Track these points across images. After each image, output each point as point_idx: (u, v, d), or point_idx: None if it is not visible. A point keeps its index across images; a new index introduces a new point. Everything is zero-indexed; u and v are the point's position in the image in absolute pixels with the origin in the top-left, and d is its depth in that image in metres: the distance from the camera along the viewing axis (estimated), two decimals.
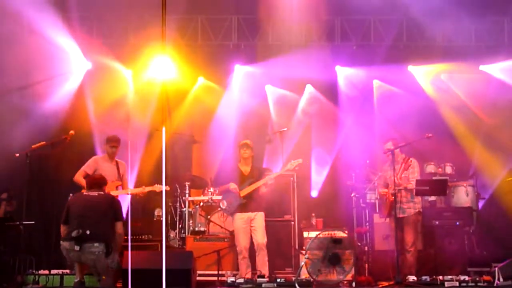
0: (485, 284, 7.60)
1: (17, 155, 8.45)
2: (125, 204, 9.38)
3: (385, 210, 8.95)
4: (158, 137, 11.07)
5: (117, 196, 8.96)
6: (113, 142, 9.21)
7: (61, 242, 7.43)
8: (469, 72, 11.88)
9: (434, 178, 10.08)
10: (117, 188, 9.10)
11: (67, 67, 11.40)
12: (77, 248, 7.25)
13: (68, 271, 7.83)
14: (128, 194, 9.27)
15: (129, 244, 7.63)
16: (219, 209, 9.72)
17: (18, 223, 8.24)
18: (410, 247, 8.77)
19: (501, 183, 10.81)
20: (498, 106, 11.34)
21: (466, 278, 7.77)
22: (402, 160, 8.87)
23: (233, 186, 8.94)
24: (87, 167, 9.10)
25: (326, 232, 8.31)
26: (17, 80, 10.73)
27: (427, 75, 12.19)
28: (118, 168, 9.20)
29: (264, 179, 8.87)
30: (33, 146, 8.51)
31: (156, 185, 9.29)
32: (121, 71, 11.85)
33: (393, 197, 8.58)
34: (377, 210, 10.05)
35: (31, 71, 10.76)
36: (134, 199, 9.61)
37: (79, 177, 9.03)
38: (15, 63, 10.41)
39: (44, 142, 8.66)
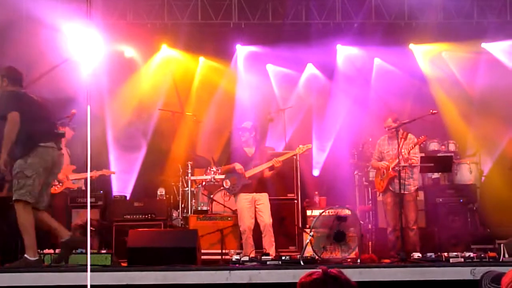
0: (491, 260, 7.56)
1: None
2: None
3: (383, 184, 8.87)
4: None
5: (75, 179, 9.40)
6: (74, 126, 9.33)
7: None
8: (470, 51, 11.82)
9: (438, 155, 10.06)
10: (73, 171, 9.38)
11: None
12: None
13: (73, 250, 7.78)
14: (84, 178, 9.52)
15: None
16: (221, 188, 9.70)
17: None
18: (413, 225, 8.78)
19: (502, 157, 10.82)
20: (497, 89, 11.28)
21: (471, 254, 7.74)
22: (402, 135, 8.80)
23: (238, 166, 8.90)
24: None
25: (331, 210, 8.31)
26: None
27: (427, 54, 12.16)
28: (67, 152, 9.29)
29: (272, 161, 8.83)
30: None
31: (104, 169, 9.72)
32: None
33: (394, 172, 8.56)
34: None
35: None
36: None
37: None
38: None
39: None
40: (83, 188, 9.85)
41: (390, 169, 8.75)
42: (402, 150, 8.65)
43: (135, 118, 11.38)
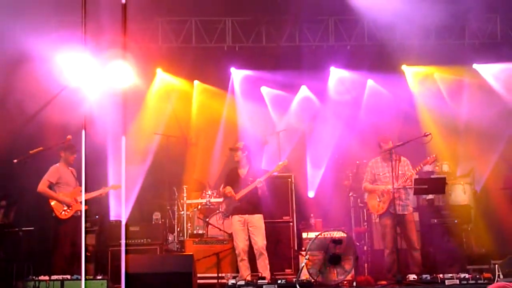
0: (486, 281, 7.61)
1: (15, 161, 8.42)
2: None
3: (383, 206, 8.81)
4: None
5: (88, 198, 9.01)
6: (73, 149, 9.13)
7: None
8: (461, 73, 11.92)
9: (432, 176, 10.10)
10: (80, 193, 9.06)
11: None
12: None
13: (68, 276, 7.79)
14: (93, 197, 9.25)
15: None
16: (217, 211, 9.74)
17: (17, 229, 8.21)
18: (417, 244, 8.81)
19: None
20: (484, 111, 11.39)
21: (467, 275, 7.78)
22: (396, 158, 8.85)
23: (228, 189, 8.95)
24: (50, 176, 8.95)
25: (326, 233, 8.33)
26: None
27: (418, 75, 12.27)
28: (73, 174, 9.18)
29: (255, 183, 8.86)
30: (30, 152, 8.47)
31: (112, 184, 9.47)
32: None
33: (395, 194, 8.59)
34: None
35: None
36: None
37: (43, 187, 8.90)
38: None
39: (41, 148, 8.62)
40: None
41: (391, 191, 8.70)
42: (400, 171, 8.71)
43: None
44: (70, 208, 8.87)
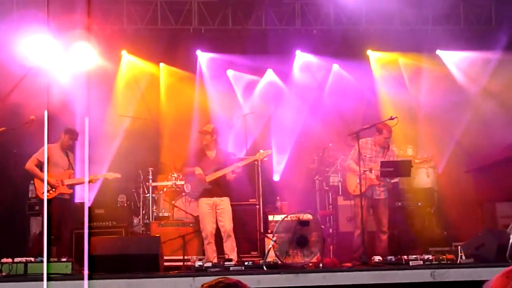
0: (448, 262, 7.75)
1: None
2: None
3: (363, 188, 8.85)
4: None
5: (72, 184, 9.00)
6: (74, 135, 9.13)
7: None
8: (424, 59, 12.05)
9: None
10: (69, 176, 9.05)
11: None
12: None
13: (32, 259, 7.64)
14: (82, 183, 9.20)
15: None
16: (183, 194, 9.68)
17: None
18: (387, 228, 8.95)
19: None
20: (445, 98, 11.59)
21: (430, 257, 7.91)
22: (386, 146, 9.02)
23: (198, 171, 8.89)
24: (40, 155, 8.88)
25: (293, 215, 8.36)
26: None
27: (382, 61, 12.37)
28: (68, 158, 9.13)
29: (232, 167, 8.86)
30: None
31: (108, 173, 9.37)
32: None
33: (378, 181, 8.78)
34: (341, 191, 10.12)
35: None
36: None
37: (31, 165, 8.88)
38: None
39: (4, 128, 8.44)
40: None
41: (372, 176, 8.78)
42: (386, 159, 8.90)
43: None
44: (54, 189, 8.80)
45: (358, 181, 8.65)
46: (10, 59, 10.02)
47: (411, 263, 7.72)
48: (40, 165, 8.88)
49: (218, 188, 8.89)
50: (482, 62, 11.75)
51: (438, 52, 12.12)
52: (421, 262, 7.72)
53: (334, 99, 11.87)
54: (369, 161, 8.90)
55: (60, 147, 9.11)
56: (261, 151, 9.13)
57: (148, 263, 7.44)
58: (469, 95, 11.77)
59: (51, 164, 8.92)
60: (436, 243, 9.75)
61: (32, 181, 9.96)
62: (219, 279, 3.37)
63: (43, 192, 8.74)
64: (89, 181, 9.16)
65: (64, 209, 8.97)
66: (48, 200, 8.71)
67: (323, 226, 9.80)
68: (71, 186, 9.09)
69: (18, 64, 10.15)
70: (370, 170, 8.74)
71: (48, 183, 8.74)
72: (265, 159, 9.26)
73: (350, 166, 9.06)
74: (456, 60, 12.12)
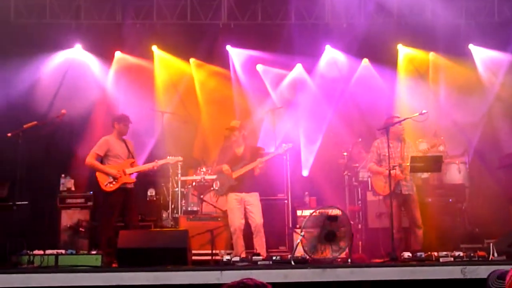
0: (480, 259, 7.62)
1: (9, 135, 8.36)
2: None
3: (387, 187, 8.80)
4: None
5: (133, 173, 9.04)
6: (127, 121, 9.23)
7: None
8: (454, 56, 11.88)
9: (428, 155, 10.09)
10: (131, 165, 9.10)
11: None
12: None
13: (63, 251, 7.76)
14: (144, 170, 9.30)
15: None
16: (211, 189, 9.69)
17: (11, 203, 8.16)
18: (421, 223, 8.89)
19: None
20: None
21: (461, 254, 7.80)
22: (401, 139, 8.94)
23: (225, 167, 8.91)
24: (99, 149, 9.03)
25: (321, 210, 8.30)
26: None
27: (410, 56, 12.24)
28: (127, 146, 9.20)
29: (255, 162, 8.85)
30: (24, 126, 8.40)
31: (168, 157, 9.39)
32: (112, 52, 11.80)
33: (402, 175, 8.70)
34: (371, 188, 10.03)
35: None
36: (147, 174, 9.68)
37: (91, 160, 8.99)
38: None
39: (36, 122, 8.54)
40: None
41: (397, 172, 8.69)
42: (405, 153, 8.83)
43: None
44: (116, 180, 8.88)
45: (384, 182, 8.63)
46: None
47: (441, 259, 7.62)
48: (99, 159, 9.00)
49: (246, 183, 8.89)
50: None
51: (471, 46, 11.92)
52: (452, 259, 7.61)
53: (363, 94, 11.76)
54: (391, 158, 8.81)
55: (117, 137, 9.16)
56: (283, 145, 9.12)
57: (176, 256, 7.46)
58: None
59: (112, 156, 9.01)
60: (467, 240, 9.58)
61: (63, 174, 10.13)
62: (243, 280, 3.30)
63: (106, 184, 8.85)
64: (152, 168, 9.26)
65: (127, 198, 9.01)
66: (111, 192, 8.86)
67: (352, 222, 9.74)
68: (134, 175, 9.13)
69: None
70: (400, 166, 8.66)
71: (111, 175, 8.84)
72: (287, 152, 9.23)
73: (372, 169, 9.06)
74: (485, 58, 11.90)
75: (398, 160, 8.74)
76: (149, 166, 9.28)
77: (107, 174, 8.88)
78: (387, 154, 8.67)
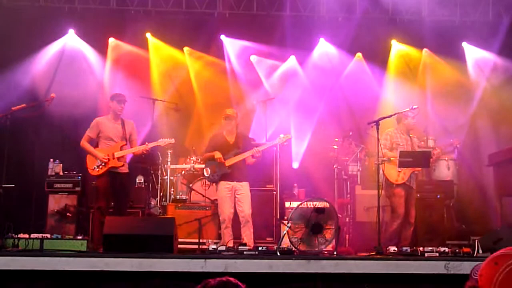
0: (465, 255, 7.65)
1: None
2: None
3: (404, 176, 8.82)
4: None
5: (122, 156, 8.80)
6: (121, 97, 8.95)
7: None
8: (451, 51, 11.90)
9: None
10: (121, 148, 8.82)
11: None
12: None
13: (48, 235, 7.72)
14: (132, 153, 9.01)
15: None
16: (202, 177, 9.65)
17: None
18: (414, 221, 8.94)
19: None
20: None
21: (446, 249, 7.81)
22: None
23: (218, 155, 8.85)
24: (90, 131, 8.83)
25: (308, 202, 8.30)
26: None
27: (402, 53, 12.25)
28: (124, 127, 8.91)
29: (252, 151, 8.81)
30: (13, 108, 8.31)
31: (160, 139, 9.08)
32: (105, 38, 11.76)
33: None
34: (360, 181, 10.05)
35: None
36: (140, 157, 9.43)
37: (83, 142, 8.83)
38: None
39: (24, 105, 8.47)
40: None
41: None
42: (416, 147, 9.03)
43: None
44: (104, 164, 8.68)
45: (398, 169, 8.70)
46: None
47: (426, 254, 7.64)
48: (91, 141, 8.83)
49: (237, 172, 8.85)
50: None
51: (464, 44, 11.94)
52: (437, 254, 7.63)
53: (354, 89, 11.76)
54: (401, 149, 8.82)
55: (112, 118, 8.92)
56: (281, 135, 9.05)
57: (162, 244, 7.43)
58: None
59: (104, 138, 8.81)
60: (453, 237, 9.65)
61: (51, 159, 10.09)
62: (224, 280, 3.22)
63: (94, 168, 8.72)
64: (141, 151, 8.94)
65: (118, 183, 8.78)
66: (98, 176, 8.73)
67: (340, 215, 9.76)
68: (123, 158, 8.86)
69: None
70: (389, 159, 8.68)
71: (98, 159, 8.68)
72: (285, 143, 9.20)
73: (387, 155, 8.80)
74: (476, 57, 11.92)
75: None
76: (139, 148, 8.92)
77: (95, 157, 8.75)
78: (400, 144, 8.77)
